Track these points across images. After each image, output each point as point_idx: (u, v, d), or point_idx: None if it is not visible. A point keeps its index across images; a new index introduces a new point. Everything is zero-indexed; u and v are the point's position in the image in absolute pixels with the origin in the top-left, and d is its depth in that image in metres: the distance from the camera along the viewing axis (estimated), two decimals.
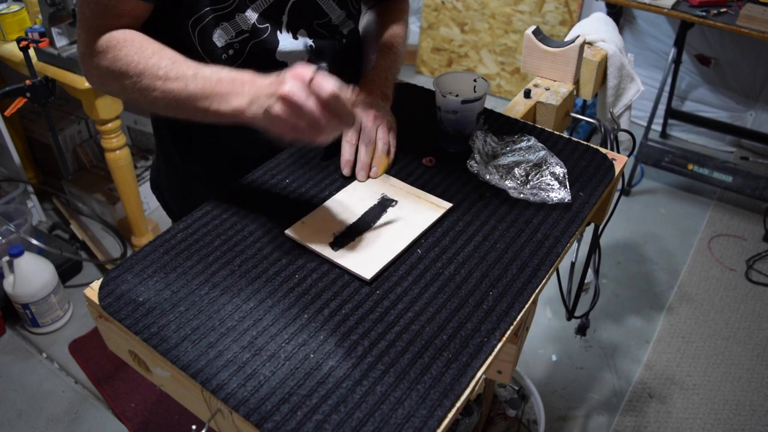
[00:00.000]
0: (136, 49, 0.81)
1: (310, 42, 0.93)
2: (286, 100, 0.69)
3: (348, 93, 0.70)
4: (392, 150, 0.95)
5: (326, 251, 0.79)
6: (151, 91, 0.81)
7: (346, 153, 0.92)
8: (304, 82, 0.69)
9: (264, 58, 0.91)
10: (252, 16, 0.87)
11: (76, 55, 1.71)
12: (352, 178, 0.92)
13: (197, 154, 1.02)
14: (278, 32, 0.90)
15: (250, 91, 0.74)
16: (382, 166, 0.93)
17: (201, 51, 0.88)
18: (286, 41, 0.91)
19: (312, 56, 0.94)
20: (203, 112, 0.79)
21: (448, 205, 0.87)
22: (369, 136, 0.92)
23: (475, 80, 0.97)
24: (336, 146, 0.96)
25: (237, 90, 0.75)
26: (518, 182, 0.90)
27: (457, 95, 0.93)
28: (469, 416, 1.39)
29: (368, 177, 0.92)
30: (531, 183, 0.90)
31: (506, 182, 0.90)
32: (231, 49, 0.89)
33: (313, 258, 0.79)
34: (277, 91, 0.70)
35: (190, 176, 1.05)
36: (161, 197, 1.15)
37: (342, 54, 0.99)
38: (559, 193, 0.88)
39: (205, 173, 1.03)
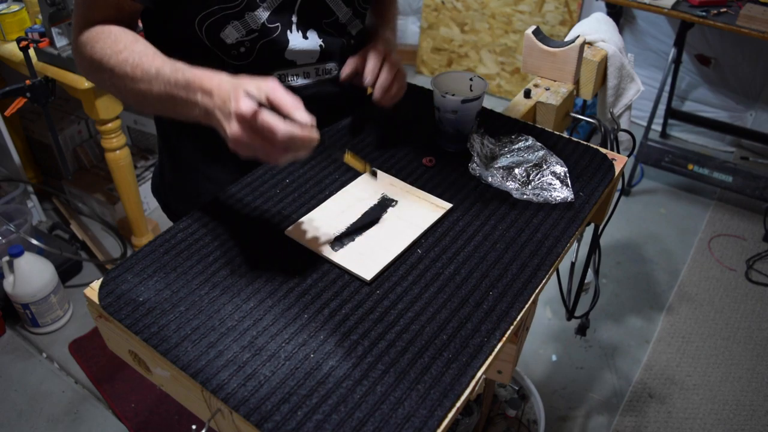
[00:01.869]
0: (111, 43, 0.80)
1: (319, 41, 0.94)
2: (242, 122, 0.66)
3: (306, 118, 0.67)
4: (404, 81, 0.98)
5: (326, 251, 0.79)
6: (123, 89, 0.80)
7: (371, 64, 0.94)
8: (249, 122, 0.66)
9: (273, 57, 0.91)
10: (262, 15, 0.87)
11: None
12: (352, 177, 0.92)
13: (202, 151, 1.02)
14: (288, 32, 0.90)
15: (204, 102, 0.71)
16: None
17: (210, 45, 0.88)
18: (296, 41, 0.92)
19: (321, 56, 0.95)
20: (172, 114, 0.77)
21: (448, 205, 0.87)
22: (396, 65, 0.95)
23: (471, 79, 0.97)
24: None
25: (191, 98, 0.72)
26: (520, 183, 0.90)
27: (453, 95, 0.93)
28: (469, 416, 1.39)
29: (384, 99, 0.94)
30: (533, 183, 0.90)
31: (508, 183, 0.90)
32: (242, 47, 0.89)
33: (313, 258, 0.79)
34: (231, 113, 0.67)
35: (194, 174, 1.05)
36: (163, 200, 1.15)
37: (350, 54, 1.00)
38: (562, 192, 0.88)
39: (210, 170, 1.03)
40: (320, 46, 0.94)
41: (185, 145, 1.03)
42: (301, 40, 0.92)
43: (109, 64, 0.79)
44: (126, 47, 0.79)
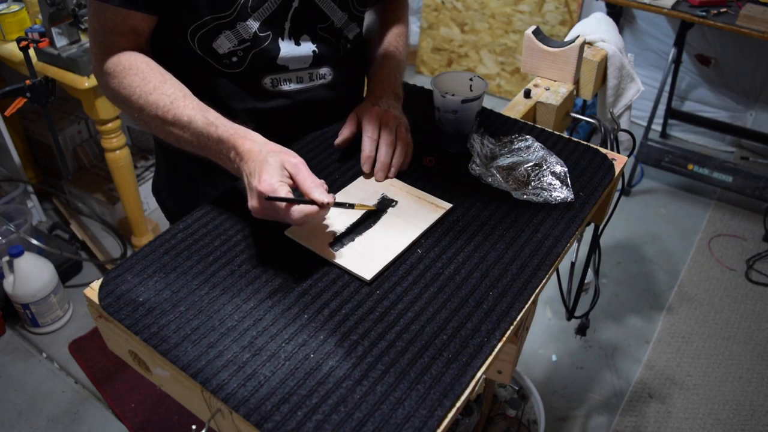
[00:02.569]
0: (139, 82, 0.82)
1: (313, 47, 0.93)
2: (261, 200, 0.72)
3: (323, 198, 0.71)
4: (410, 150, 0.95)
5: (326, 251, 0.79)
6: (153, 127, 0.83)
7: (367, 149, 0.91)
8: (271, 206, 0.71)
9: (265, 64, 0.91)
10: (253, 24, 0.87)
11: (76, 54, 1.71)
12: (352, 178, 0.92)
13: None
14: (280, 39, 0.90)
15: (236, 162, 0.76)
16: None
17: (202, 55, 0.88)
18: (288, 48, 0.91)
19: (314, 61, 0.94)
20: (204, 156, 0.82)
21: (448, 205, 0.87)
22: (389, 137, 0.92)
23: (471, 79, 0.97)
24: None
25: (224, 153, 0.78)
26: (520, 183, 0.90)
27: (453, 95, 0.93)
28: (469, 416, 1.39)
29: (386, 177, 0.91)
30: (533, 183, 0.90)
31: (508, 183, 0.90)
32: (234, 56, 0.89)
33: (313, 258, 0.79)
34: (253, 187, 0.72)
35: (190, 178, 1.05)
36: (161, 200, 1.15)
37: (346, 59, 0.99)
38: (562, 193, 0.88)
39: (205, 175, 1.03)
40: (313, 51, 0.93)
41: (179, 152, 1.03)
42: (293, 47, 0.92)
43: (138, 103, 0.82)
44: (156, 88, 0.81)
